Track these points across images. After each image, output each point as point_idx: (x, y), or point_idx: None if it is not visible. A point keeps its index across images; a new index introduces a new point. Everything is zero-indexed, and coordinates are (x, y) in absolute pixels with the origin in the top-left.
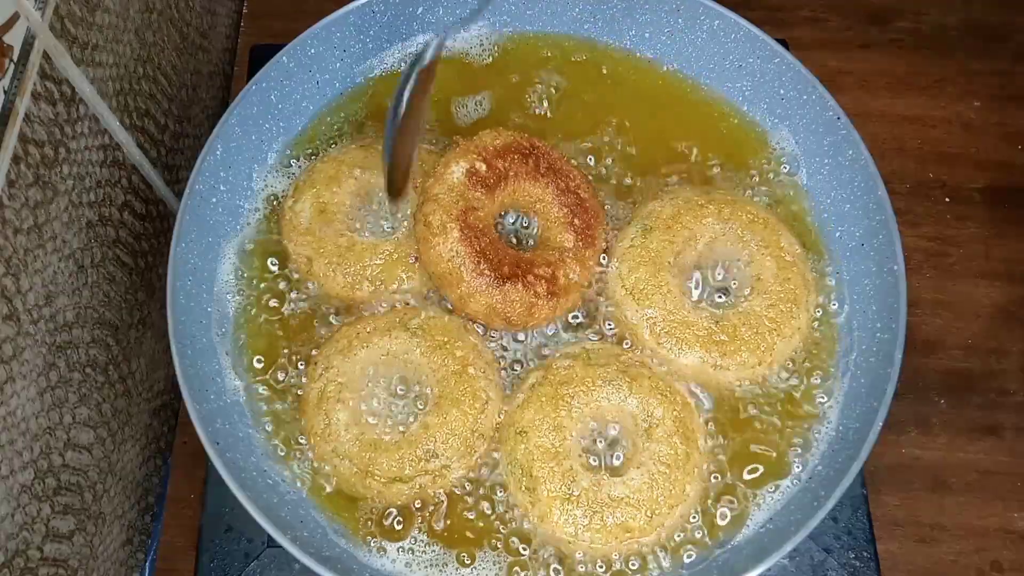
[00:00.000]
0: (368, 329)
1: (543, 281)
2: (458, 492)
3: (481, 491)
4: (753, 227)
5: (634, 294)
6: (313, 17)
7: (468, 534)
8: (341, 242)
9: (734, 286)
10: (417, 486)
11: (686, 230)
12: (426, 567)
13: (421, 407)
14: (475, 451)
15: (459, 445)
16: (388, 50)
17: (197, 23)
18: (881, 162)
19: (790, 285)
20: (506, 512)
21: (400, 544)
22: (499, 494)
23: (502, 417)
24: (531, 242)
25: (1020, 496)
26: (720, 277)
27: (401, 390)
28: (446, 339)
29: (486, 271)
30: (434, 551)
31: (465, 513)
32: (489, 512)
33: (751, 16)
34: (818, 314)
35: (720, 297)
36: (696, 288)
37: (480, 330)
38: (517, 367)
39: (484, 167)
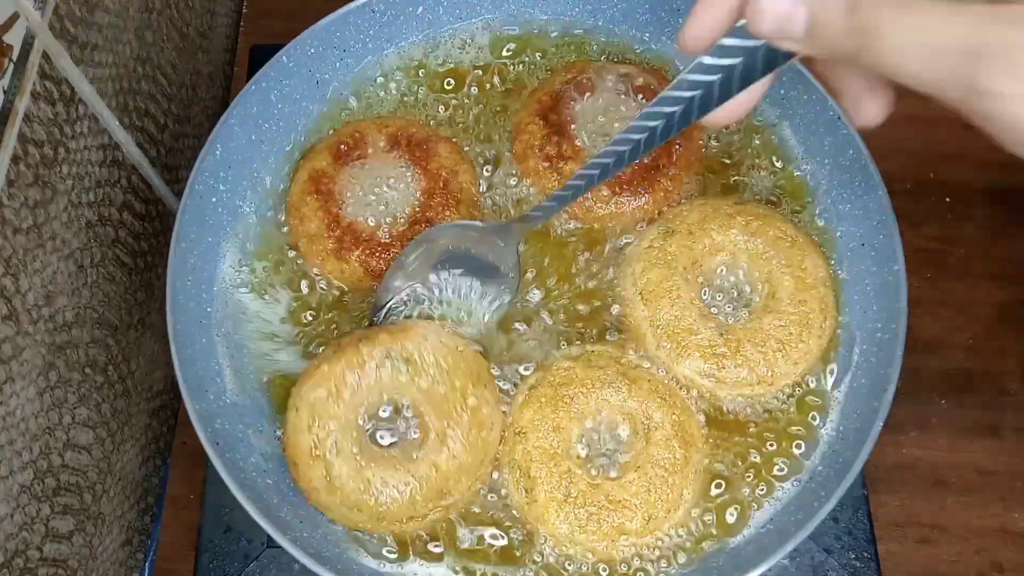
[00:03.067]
0: (356, 363)
1: None
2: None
3: (482, 495)
4: (779, 244)
5: (643, 294)
6: (313, 17)
7: (469, 537)
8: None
9: (748, 301)
10: (430, 520)
11: (708, 238)
12: (426, 567)
13: (421, 438)
14: (484, 477)
15: (470, 481)
16: (388, 50)
17: (197, 23)
18: (881, 162)
19: (805, 308)
20: (506, 514)
21: (400, 545)
22: (500, 496)
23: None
24: None
25: (1020, 496)
26: (735, 290)
27: (398, 427)
28: (443, 367)
29: None
30: (435, 551)
31: (467, 517)
32: (490, 513)
33: None
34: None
35: (731, 310)
36: (708, 297)
37: (475, 347)
38: (515, 365)
39: None
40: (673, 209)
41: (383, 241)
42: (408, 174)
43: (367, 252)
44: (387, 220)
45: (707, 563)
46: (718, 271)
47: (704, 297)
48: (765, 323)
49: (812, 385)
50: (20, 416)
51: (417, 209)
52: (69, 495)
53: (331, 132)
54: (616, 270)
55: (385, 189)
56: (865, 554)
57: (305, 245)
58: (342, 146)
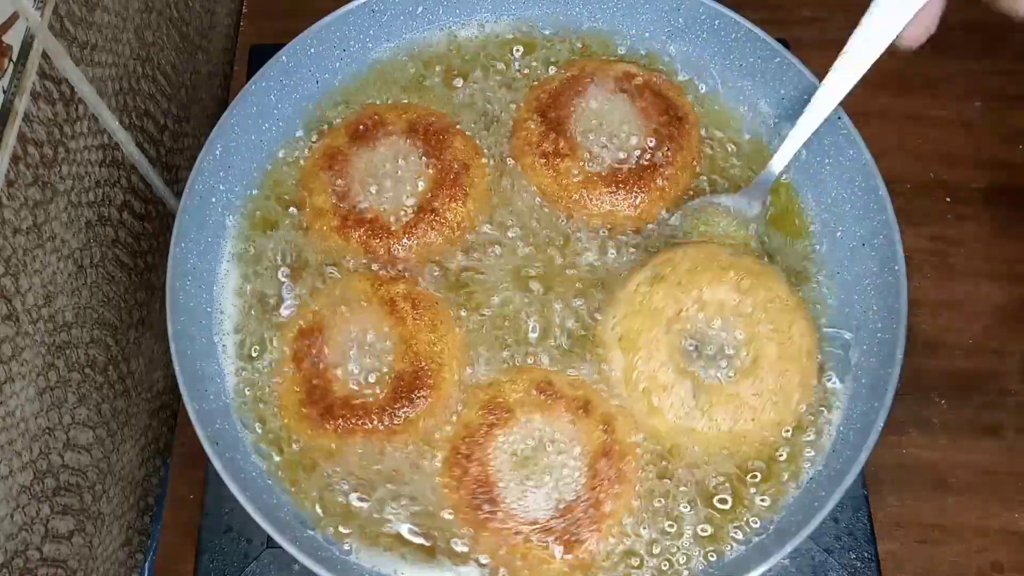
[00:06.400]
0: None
1: None
2: None
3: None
4: (769, 308)
5: (622, 341)
6: (313, 17)
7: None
8: None
9: (729, 361)
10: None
11: (696, 290)
12: (426, 563)
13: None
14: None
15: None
16: (388, 50)
17: (197, 23)
18: (881, 162)
19: (784, 379)
20: None
21: (399, 543)
22: None
23: None
24: None
25: (1021, 496)
26: (717, 348)
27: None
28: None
29: None
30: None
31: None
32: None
33: (751, 16)
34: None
35: (711, 367)
36: (688, 354)
37: None
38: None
39: None
40: (666, 252)
41: (386, 224)
42: (421, 162)
43: (369, 233)
44: (393, 205)
45: (707, 563)
46: (703, 327)
47: (684, 351)
48: (742, 388)
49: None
50: (20, 416)
51: (425, 197)
52: (69, 495)
53: (343, 117)
54: (597, 297)
55: (397, 173)
56: (865, 554)
57: (311, 218)
58: (361, 127)
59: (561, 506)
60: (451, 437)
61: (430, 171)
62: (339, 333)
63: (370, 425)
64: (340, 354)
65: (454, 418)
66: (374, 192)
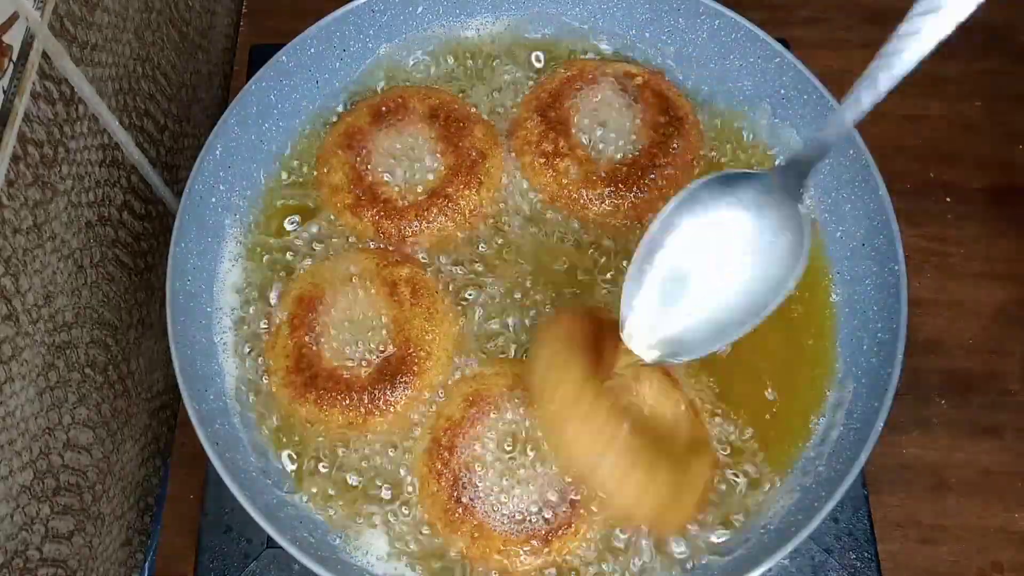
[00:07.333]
0: None
1: None
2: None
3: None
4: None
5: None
6: (313, 17)
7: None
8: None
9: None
10: None
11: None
12: (424, 564)
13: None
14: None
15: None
16: (388, 50)
17: (197, 23)
18: (881, 162)
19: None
20: None
21: (399, 543)
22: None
23: None
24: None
25: (1021, 496)
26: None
27: None
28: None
29: None
30: (435, 546)
31: None
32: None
33: (751, 16)
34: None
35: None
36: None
37: None
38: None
39: None
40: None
41: (399, 206)
42: (439, 147)
43: (381, 214)
44: (407, 186)
45: (707, 563)
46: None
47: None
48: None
49: (811, 384)
50: (20, 416)
51: (439, 182)
52: (69, 495)
53: (331, 123)
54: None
55: (414, 157)
56: (865, 554)
57: (326, 195)
58: (383, 108)
59: (541, 499)
60: (432, 428)
61: (447, 157)
62: (336, 306)
63: (349, 402)
64: (333, 327)
65: (435, 409)
66: (390, 173)
